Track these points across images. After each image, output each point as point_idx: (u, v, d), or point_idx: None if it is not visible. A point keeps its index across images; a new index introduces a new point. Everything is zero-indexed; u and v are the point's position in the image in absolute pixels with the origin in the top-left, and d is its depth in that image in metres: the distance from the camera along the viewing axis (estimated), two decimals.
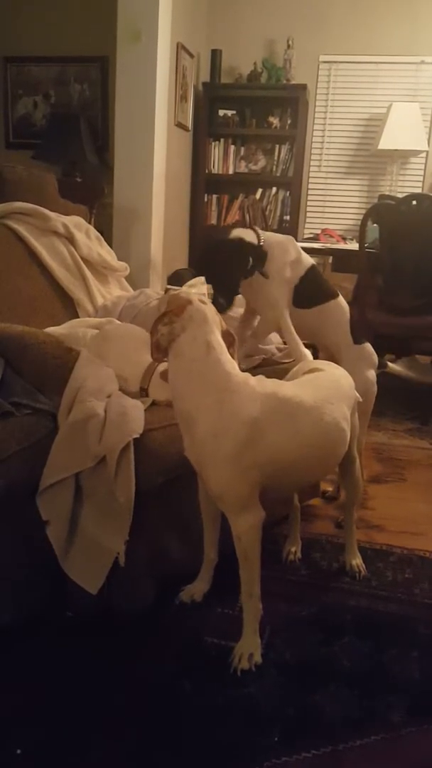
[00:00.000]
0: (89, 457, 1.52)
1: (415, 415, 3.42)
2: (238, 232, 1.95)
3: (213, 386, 1.40)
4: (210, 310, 1.44)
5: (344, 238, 4.54)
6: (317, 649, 1.56)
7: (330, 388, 1.62)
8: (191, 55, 4.62)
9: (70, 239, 2.42)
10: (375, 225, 3.47)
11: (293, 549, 1.95)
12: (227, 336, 1.47)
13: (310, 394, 1.53)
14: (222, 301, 1.55)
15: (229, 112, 4.93)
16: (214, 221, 5.12)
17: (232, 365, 1.43)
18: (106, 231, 3.33)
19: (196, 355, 1.39)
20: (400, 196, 3.36)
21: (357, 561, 1.89)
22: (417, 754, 1.28)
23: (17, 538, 1.54)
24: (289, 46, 4.77)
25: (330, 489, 2.37)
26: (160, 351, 1.43)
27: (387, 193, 4.62)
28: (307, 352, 2.07)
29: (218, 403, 1.39)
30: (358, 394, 1.75)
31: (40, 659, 1.49)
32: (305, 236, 5.07)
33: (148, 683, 1.43)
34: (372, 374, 2.15)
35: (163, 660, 1.50)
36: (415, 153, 4.80)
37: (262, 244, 1.95)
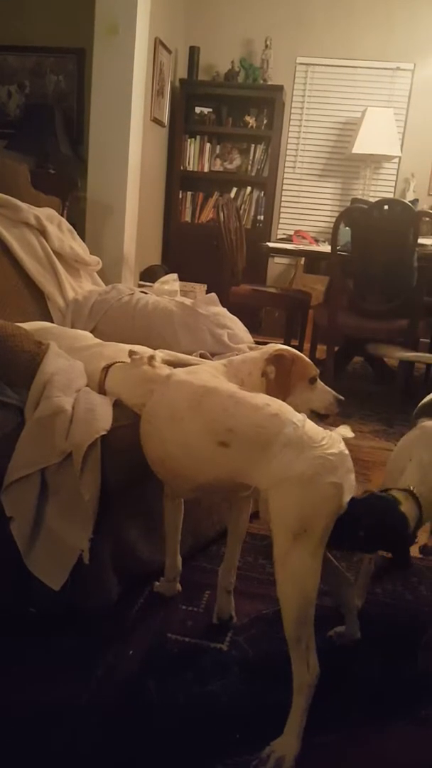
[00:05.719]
0: (55, 453, 1.50)
1: (381, 417, 3.46)
2: None
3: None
4: None
5: (317, 240, 4.58)
6: (281, 647, 1.56)
7: None
8: (169, 51, 4.60)
9: (42, 231, 2.38)
10: (347, 228, 3.51)
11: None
12: None
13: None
14: None
15: (206, 110, 4.93)
16: (188, 218, 5.12)
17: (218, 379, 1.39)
18: (78, 224, 3.29)
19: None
20: (372, 200, 3.39)
21: None
22: (379, 754, 1.29)
23: None
24: (266, 47, 4.79)
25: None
26: None
27: (360, 196, 4.68)
28: None
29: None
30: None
31: (1, 655, 1.47)
32: (278, 237, 5.10)
33: (112, 680, 1.42)
34: None
35: (126, 657, 1.49)
36: (388, 158, 4.87)
37: None
